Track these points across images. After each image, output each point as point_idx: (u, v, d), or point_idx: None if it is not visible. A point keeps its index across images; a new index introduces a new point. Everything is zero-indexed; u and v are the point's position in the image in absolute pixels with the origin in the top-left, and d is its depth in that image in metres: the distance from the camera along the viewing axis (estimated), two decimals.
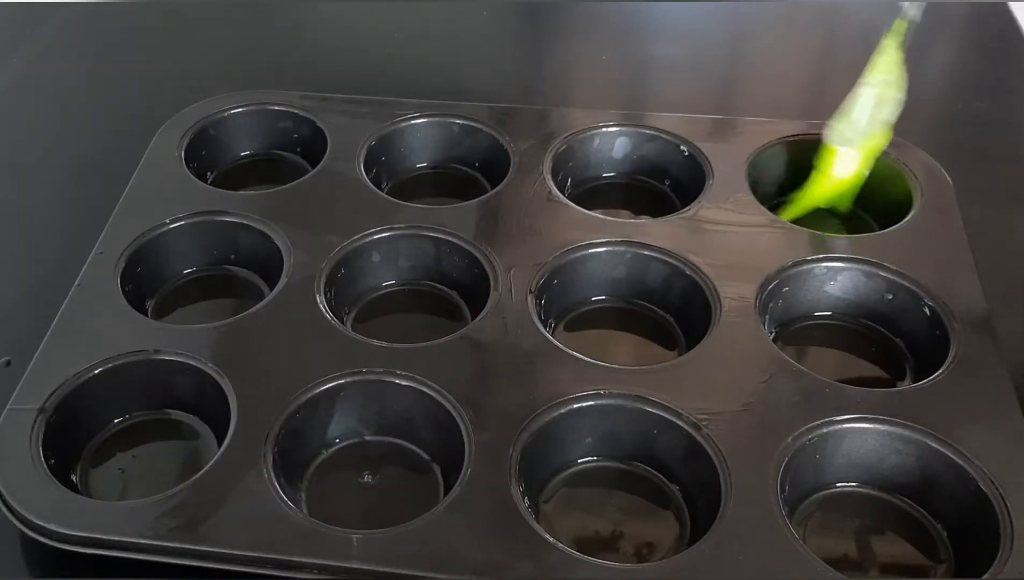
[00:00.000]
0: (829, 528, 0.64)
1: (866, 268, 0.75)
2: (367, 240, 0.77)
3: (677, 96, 0.99)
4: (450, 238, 0.77)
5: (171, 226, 0.79)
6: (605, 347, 0.74)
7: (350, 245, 0.77)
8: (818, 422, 0.64)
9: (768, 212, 0.80)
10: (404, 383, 0.67)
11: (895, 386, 0.71)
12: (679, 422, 0.65)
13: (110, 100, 1.01)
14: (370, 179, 0.83)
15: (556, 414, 0.65)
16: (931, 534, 0.63)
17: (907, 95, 0.77)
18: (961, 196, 0.80)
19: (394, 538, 0.59)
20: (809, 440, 0.64)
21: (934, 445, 0.63)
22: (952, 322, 0.70)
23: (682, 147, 0.85)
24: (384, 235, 0.78)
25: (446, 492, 0.63)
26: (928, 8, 0.75)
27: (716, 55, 1.08)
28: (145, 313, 0.76)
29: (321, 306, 0.72)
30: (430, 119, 0.89)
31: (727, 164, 0.83)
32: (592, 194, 0.86)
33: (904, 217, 0.79)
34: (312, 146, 0.88)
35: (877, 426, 0.64)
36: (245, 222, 0.79)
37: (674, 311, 0.76)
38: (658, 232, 0.78)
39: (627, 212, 0.84)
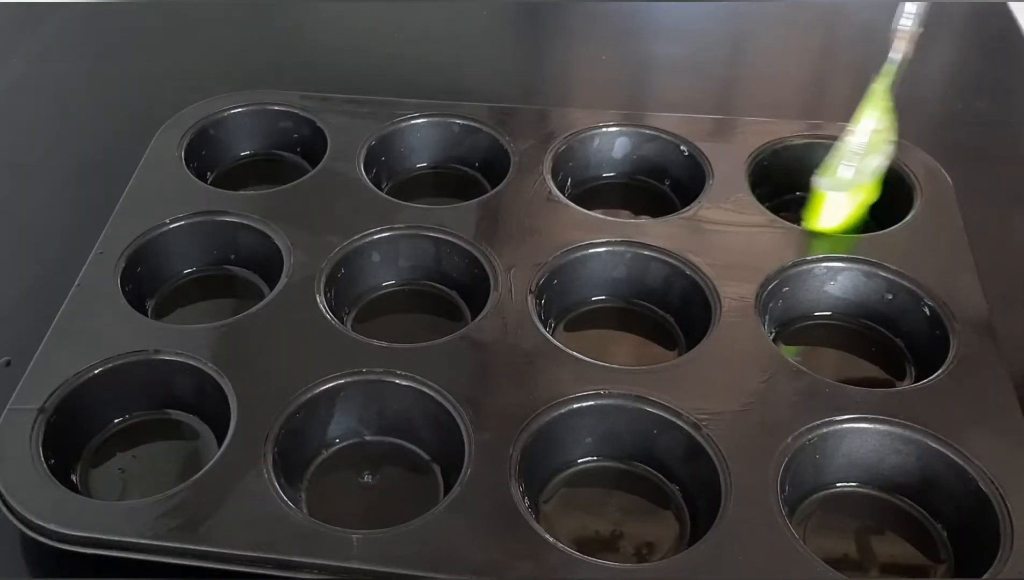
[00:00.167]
0: (829, 528, 0.64)
1: (866, 268, 0.75)
2: (367, 240, 0.77)
3: (677, 96, 0.99)
4: (450, 238, 0.77)
5: (171, 226, 0.79)
6: (605, 347, 0.74)
7: (350, 245, 0.77)
8: (818, 422, 0.64)
9: (768, 212, 0.79)
10: (404, 383, 0.67)
11: (895, 386, 0.71)
12: (679, 422, 0.65)
13: (110, 100, 1.01)
14: (370, 179, 0.83)
15: (556, 414, 0.65)
16: (931, 534, 0.63)
17: (897, 135, 0.76)
18: (961, 196, 0.80)
19: (394, 538, 0.59)
20: (809, 440, 0.64)
21: (934, 445, 0.63)
22: (952, 322, 0.70)
23: (682, 147, 0.85)
24: (384, 235, 0.78)
25: (446, 492, 0.63)
26: (928, 8, 0.75)
27: (716, 55, 1.08)
28: (145, 313, 0.76)
29: (321, 306, 0.72)
30: (430, 119, 0.89)
31: (727, 164, 0.83)
32: (592, 194, 0.86)
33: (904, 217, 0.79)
34: (312, 146, 0.88)
35: (877, 426, 0.64)
36: (245, 222, 0.79)
37: (674, 311, 0.76)
38: (658, 232, 0.78)
39: (627, 212, 0.84)
